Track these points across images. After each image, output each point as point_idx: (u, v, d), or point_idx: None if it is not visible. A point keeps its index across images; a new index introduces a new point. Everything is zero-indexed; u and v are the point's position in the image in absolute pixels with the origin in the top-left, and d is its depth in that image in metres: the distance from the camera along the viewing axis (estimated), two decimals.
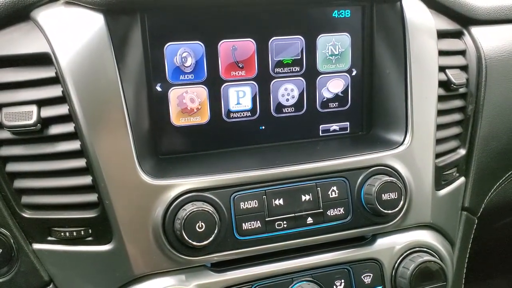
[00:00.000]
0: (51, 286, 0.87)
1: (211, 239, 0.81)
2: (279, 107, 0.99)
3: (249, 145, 0.98)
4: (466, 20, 1.14)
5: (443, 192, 1.04)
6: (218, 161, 0.93)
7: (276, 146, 1.00)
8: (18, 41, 0.84)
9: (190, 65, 0.91)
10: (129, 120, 0.82)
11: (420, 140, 0.97)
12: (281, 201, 0.88)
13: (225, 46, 0.92)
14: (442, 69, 1.03)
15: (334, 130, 1.04)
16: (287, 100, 0.99)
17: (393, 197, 0.90)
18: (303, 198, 0.89)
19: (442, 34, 1.07)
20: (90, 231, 0.84)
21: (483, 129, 1.11)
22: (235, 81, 0.95)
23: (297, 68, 0.98)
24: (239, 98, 0.96)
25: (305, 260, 0.92)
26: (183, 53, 0.90)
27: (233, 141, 0.97)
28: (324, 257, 0.93)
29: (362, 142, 1.02)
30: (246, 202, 0.86)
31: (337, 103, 1.02)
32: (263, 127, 0.99)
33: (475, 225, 1.16)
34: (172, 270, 0.85)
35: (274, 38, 0.95)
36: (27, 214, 0.84)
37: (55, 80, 0.81)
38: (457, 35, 1.14)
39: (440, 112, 1.02)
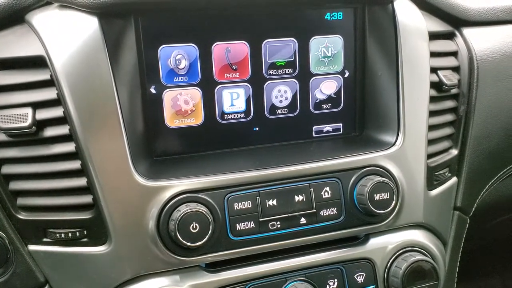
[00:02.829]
0: (46, 287, 0.87)
1: (205, 239, 0.82)
2: (273, 108, 0.99)
3: (243, 147, 0.99)
4: (457, 22, 1.15)
5: (435, 192, 1.05)
6: (212, 162, 0.93)
7: (270, 147, 1.00)
8: (13, 44, 0.85)
9: (184, 67, 0.92)
10: (124, 122, 0.83)
11: (412, 141, 0.98)
12: (274, 202, 0.89)
13: (218, 49, 0.93)
14: (434, 70, 1.04)
15: (327, 131, 1.05)
16: (281, 101, 0.99)
17: (385, 197, 0.91)
18: (296, 198, 0.90)
19: (434, 36, 1.07)
20: (85, 232, 0.84)
21: (475, 129, 1.12)
22: (229, 83, 0.95)
23: (290, 70, 0.98)
24: (233, 99, 0.96)
25: (299, 260, 0.93)
26: (177, 55, 0.91)
27: (227, 143, 0.98)
28: (317, 257, 0.93)
29: (354, 143, 1.03)
30: (240, 203, 0.87)
31: (330, 105, 1.03)
32: (257, 129, 0.99)
33: (467, 225, 1.17)
34: (167, 271, 0.86)
35: (267, 40, 0.95)
36: (22, 216, 0.85)
37: (50, 83, 0.82)
38: (449, 36, 1.15)
39: (432, 113, 1.02)
